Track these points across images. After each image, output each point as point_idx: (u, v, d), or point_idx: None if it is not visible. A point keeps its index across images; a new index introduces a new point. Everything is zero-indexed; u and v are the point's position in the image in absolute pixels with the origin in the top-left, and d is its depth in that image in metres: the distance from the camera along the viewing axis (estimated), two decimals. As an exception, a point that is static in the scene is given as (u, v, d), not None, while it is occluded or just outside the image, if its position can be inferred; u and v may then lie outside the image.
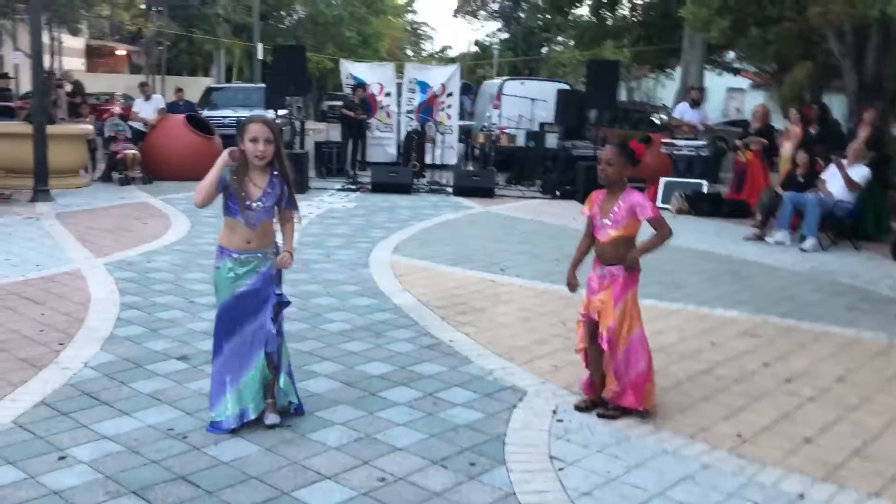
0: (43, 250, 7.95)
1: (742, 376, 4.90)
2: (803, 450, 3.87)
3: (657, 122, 19.90)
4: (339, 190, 13.50)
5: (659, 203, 12.40)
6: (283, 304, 3.94)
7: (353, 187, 13.70)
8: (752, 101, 27.83)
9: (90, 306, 5.95)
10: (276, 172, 3.84)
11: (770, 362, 5.18)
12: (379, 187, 13.36)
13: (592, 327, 4.19)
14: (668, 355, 5.22)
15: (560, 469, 3.57)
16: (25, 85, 19.56)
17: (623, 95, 34.40)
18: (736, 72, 27.99)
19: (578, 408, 4.24)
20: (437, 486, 3.39)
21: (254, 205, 3.78)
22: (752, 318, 6.23)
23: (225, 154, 3.73)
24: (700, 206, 12.01)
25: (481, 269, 7.73)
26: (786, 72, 19.76)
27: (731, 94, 42.67)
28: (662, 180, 12.74)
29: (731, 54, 25.46)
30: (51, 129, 11.64)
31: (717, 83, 36.38)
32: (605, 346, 4.11)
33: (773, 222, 9.95)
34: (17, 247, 8.07)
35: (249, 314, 3.85)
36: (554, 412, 4.22)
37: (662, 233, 4.11)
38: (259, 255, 3.84)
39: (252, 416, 3.88)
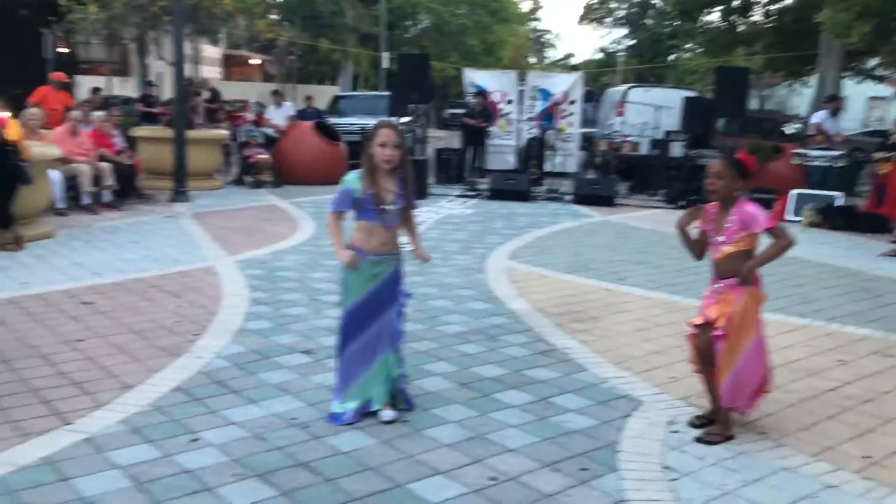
0: (180, 247, 8.45)
1: (872, 397, 4.67)
2: (938, 476, 3.66)
3: (789, 131, 19.11)
4: (457, 196, 13.66)
5: (790, 216, 11.94)
6: (406, 296, 4.15)
7: (471, 194, 13.84)
8: (896, 111, 26.29)
9: (222, 300, 6.29)
10: (400, 176, 4.00)
11: (904, 384, 4.92)
12: (497, 194, 13.43)
13: (704, 343, 3.96)
14: (793, 371, 5.04)
15: (673, 479, 3.52)
16: (167, 92, 20.81)
17: (754, 104, 33.21)
18: (879, 79, 26.47)
19: (693, 425, 4.13)
20: (548, 488, 3.41)
21: (388, 208, 3.96)
22: (887, 338, 5.91)
23: (345, 258, 3.96)
24: (834, 219, 11.47)
25: (599, 277, 7.67)
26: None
27: (873, 102, 40.45)
28: (793, 192, 12.24)
29: (872, 61, 24.13)
30: (190, 133, 12.34)
31: (857, 91, 34.56)
32: (718, 349, 3.94)
33: (914, 238, 9.39)
34: (157, 243, 8.61)
35: (378, 312, 4.03)
36: (669, 423, 4.16)
37: (781, 242, 3.89)
38: (392, 255, 4.05)
39: (373, 408, 4.04)
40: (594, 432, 4.02)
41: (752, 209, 3.89)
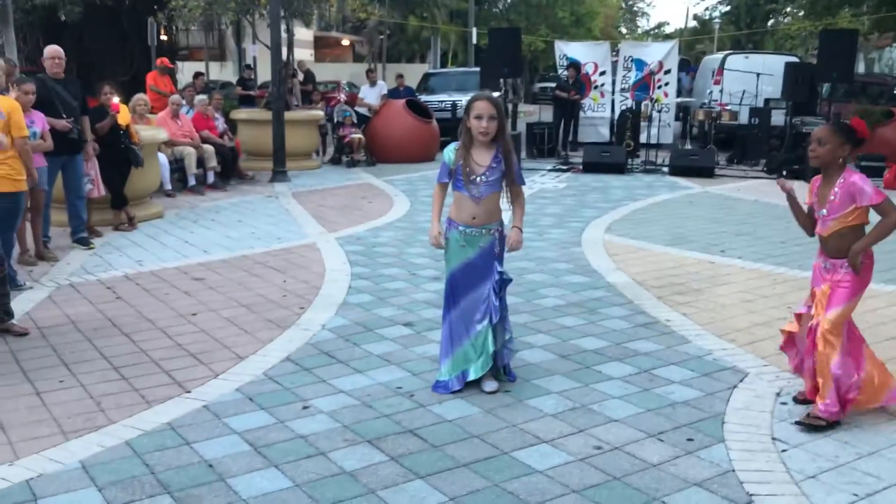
0: (282, 225, 8.71)
1: None
2: None
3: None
4: (550, 170, 13.57)
5: (900, 183, 11.40)
6: (504, 281, 4.09)
7: (564, 167, 13.72)
8: None
9: (325, 275, 6.48)
10: (500, 148, 3.97)
11: None
12: (591, 167, 13.28)
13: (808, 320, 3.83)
14: (909, 344, 4.85)
15: (783, 451, 3.46)
16: (263, 75, 21.33)
17: (861, 67, 31.64)
18: None
19: (797, 399, 3.99)
20: (654, 457, 3.40)
21: (478, 178, 3.95)
22: None
23: (431, 232, 4.11)
24: (950, 186, 10.88)
25: (699, 250, 7.52)
26: None
27: None
28: (905, 158, 11.66)
29: None
30: (287, 115, 12.64)
31: (974, 50, 32.46)
32: (812, 345, 3.76)
33: None
34: (260, 222, 8.90)
35: (470, 286, 4.05)
36: (777, 394, 4.07)
37: (889, 221, 3.59)
38: (483, 230, 4.02)
39: (471, 377, 4.09)
40: (699, 403, 3.97)
41: (858, 180, 3.61)
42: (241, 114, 14.17)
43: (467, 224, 4.02)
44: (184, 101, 11.80)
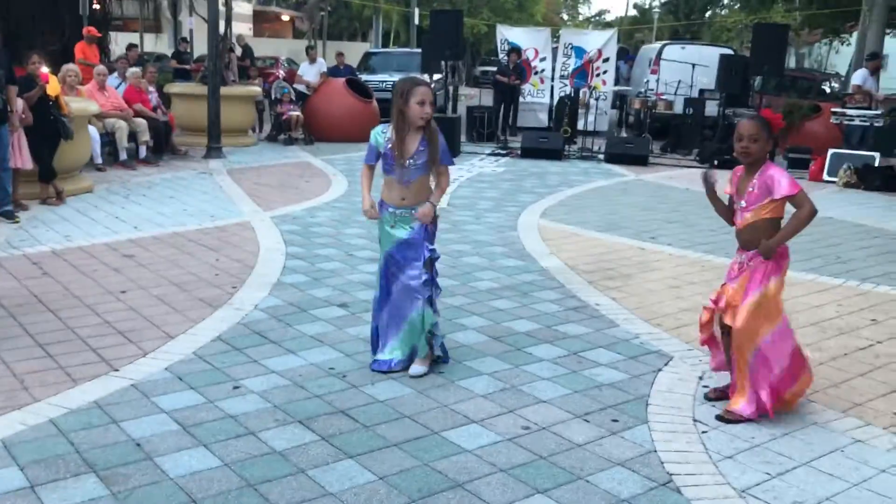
0: (216, 203, 8.58)
1: (905, 356, 4.68)
2: (968, 433, 3.69)
3: (828, 90, 18.76)
4: (489, 154, 13.64)
5: (826, 176, 11.80)
6: (434, 259, 4.13)
7: (503, 152, 13.81)
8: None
9: (259, 255, 6.42)
10: (425, 132, 4.00)
11: (938, 343, 4.92)
12: (529, 152, 13.40)
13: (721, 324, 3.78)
14: (825, 330, 5.06)
15: (703, 432, 3.58)
16: (199, 49, 20.86)
17: (792, 62, 32.53)
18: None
19: (708, 398, 3.92)
20: (580, 438, 3.50)
21: (407, 162, 3.98)
22: (921, 298, 5.89)
23: (364, 207, 4.16)
24: (871, 180, 11.31)
25: (631, 236, 7.69)
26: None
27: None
28: (830, 151, 12.08)
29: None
30: (223, 90, 12.41)
31: (898, 49, 33.66)
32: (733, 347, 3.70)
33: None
34: (193, 198, 8.75)
35: (404, 266, 4.08)
36: (700, 378, 4.21)
37: (801, 214, 3.56)
38: (412, 211, 4.05)
39: (401, 359, 4.13)
40: (625, 386, 4.09)
41: (775, 173, 3.59)
42: (175, 87, 13.87)
43: (397, 205, 4.06)
44: (114, 73, 11.48)
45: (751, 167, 3.67)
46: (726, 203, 3.90)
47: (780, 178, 3.56)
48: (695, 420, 3.71)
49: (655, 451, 3.40)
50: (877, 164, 11.68)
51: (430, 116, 3.96)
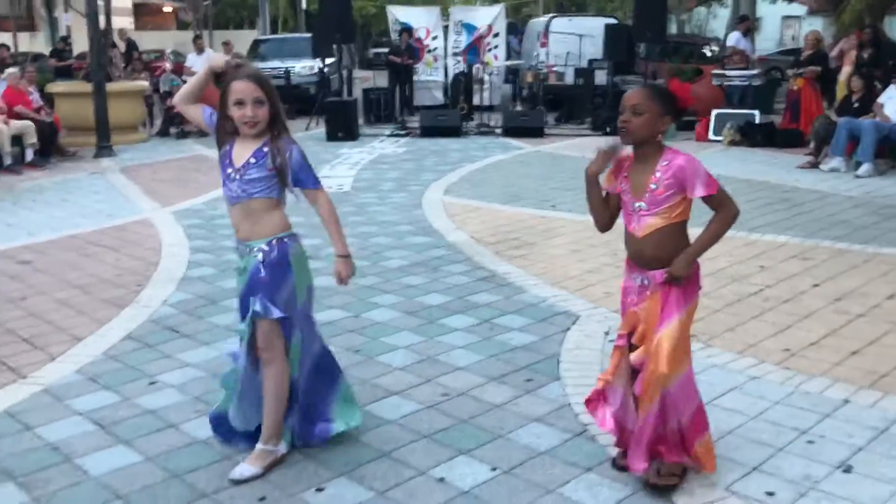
0: (112, 202, 8.34)
1: (791, 297, 5.01)
2: (850, 361, 4.00)
3: (708, 54, 19.52)
4: (388, 136, 13.66)
5: (712, 135, 12.32)
6: (262, 320, 2.90)
7: (402, 132, 13.85)
8: (810, 29, 26.98)
9: (162, 251, 6.31)
10: (268, 141, 2.92)
11: (820, 283, 5.27)
12: (428, 131, 13.48)
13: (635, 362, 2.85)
14: (719, 279, 5.35)
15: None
16: (79, 45, 20.03)
17: (673, 28, 33.63)
18: (791, -1, 27.12)
19: (617, 465, 3.02)
20: (497, 399, 3.63)
21: (234, 174, 2.92)
22: (803, 243, 6.29)
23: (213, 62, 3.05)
24: (753, 136, 11.88)
25: (532, 206, 7.89)
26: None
27: (786, 22, 41.32)
28: (714, 112, 12.62)
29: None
30: (109, 86, 12.01)
31: (771, 11, 35.29)
32: (638, 384, 2.81)
33: (828, 150, 9.84)
34: (88, 200, 8.48)
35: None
36: (606, 333, 4.41)
37: (725, 216, 2.75)
38: (248, 247, 2.95)
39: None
40: (536, 347, 4.25)
41: (686, 163, 2.70)
42: (58, 87, 13.34)
43: (237, 237, 3.00)
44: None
45: (644, 154, 2.77)
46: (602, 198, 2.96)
47: (694, 173, 2.69)
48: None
49: (569, 405, 3.56)
50: (757, 122, 12.28)
51: (254, 121, 2.85)
